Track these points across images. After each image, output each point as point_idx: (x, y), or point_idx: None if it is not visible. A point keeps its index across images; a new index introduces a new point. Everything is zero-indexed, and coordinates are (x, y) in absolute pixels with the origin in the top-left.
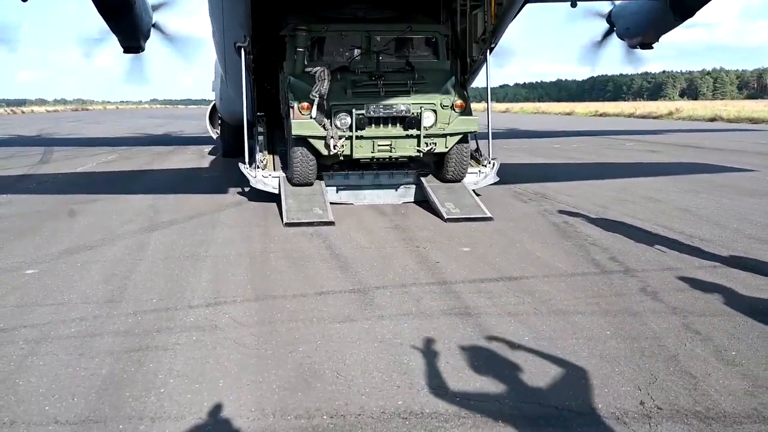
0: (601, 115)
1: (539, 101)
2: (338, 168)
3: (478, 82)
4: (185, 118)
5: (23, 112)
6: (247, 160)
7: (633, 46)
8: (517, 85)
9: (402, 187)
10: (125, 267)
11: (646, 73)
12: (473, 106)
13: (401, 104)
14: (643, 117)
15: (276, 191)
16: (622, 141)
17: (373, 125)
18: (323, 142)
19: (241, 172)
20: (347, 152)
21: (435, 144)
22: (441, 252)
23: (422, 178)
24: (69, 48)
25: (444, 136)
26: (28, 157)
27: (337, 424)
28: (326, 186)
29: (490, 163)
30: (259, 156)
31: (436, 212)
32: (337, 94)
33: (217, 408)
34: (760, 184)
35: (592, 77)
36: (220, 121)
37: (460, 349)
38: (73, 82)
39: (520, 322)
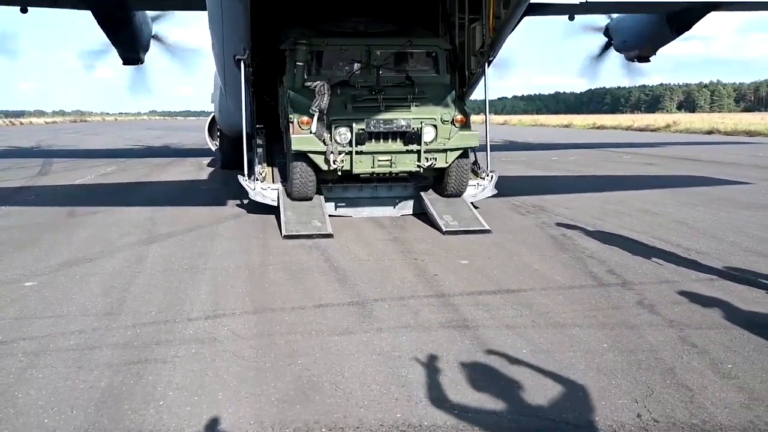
0: (598, 127)
1: (537, 113)
2: (337, 181)
3: (477, 94)
4: (184, 130)
5: (22, 124)
6: (246, 172)
7: (630, 59)
8: (515, 97)
9: (400, 200)
10: (124, 279)
11: (644, 86)
12: (471, 118)
13: (401, 119)
14: (641, 129)
15: (275, 203)
16: (619, 153)
17: (373, 140)
18: (323, 157)
19: (240, 185)
20: (347, 167)
21: (435, 159)
22: (439, 264)
23: (421, 192)
24: (68, 59)
25: (444, 151)
26: (27, 169)
27: None
28: (325, 200)
29: (488, 175)
30: (258, 168)
31: (434, 225)
32: (337, 108)
33: (216, 421)
34: (757, 197)
35: (590, 90)
36: (219, 133)
37: (458, 361)
38: (72, 94)
39: (518, 335)
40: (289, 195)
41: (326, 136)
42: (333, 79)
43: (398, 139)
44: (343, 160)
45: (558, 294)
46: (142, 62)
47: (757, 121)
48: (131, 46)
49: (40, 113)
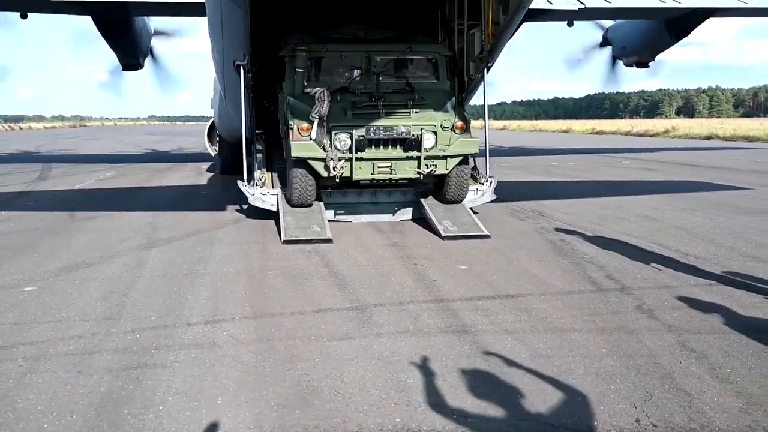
0: (597, 132)
1: (536, 119)
2: (336, 186)
3: (476, 99)
4: (183, 135)
5: (21, 128)
6: (245, 177)
7: (629, 65)
8: (514, 102)
9: (400, 206)
10: (124, 284)
11: (643, 91)
12: (470, 123)
13: (401, 126)
14: (640, 135)
15: (274, 209)
16: (618, 159)
17: (373, 147)
18: (323, 163)
19: (240, 190)
20: (347, 174)
21: (435, 166)
22: (438, 270)
23: (421, 199)
24: (67, 64)
25: (444, 158)
26: (27, 174)
27: None
28: (324, 206)
29: (487, 181)
30: (257, 173)
31: (433, 230)
32: (337, 115)
33: (216, 425)
34: (756, 203)
35: (589, 95)
36: (218, 138)
37: (457, 366)
38: (71, 98)
39: (517, 340)
40: (289, 201)
41: (326, 142)
42: (333, 85)
43: (398, 146)
44: (343, 167)
45: (557, 299)
46: (141, 67)
47: (756, 127)
48: (131, 52)
49: (40, 118)
